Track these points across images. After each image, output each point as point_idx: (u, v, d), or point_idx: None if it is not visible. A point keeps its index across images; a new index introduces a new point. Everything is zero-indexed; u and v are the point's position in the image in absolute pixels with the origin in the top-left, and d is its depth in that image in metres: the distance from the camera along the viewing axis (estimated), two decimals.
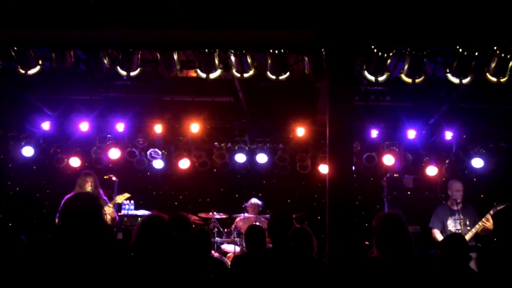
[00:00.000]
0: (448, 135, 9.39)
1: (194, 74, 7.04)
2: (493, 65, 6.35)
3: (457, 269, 4.29)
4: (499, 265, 4.79)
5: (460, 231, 7.66)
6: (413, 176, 9.72)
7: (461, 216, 7.75)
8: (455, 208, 7.87)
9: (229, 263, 7.30)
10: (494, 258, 4.89)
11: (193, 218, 9.00)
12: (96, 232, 3.18)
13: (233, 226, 9.31)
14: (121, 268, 3.27)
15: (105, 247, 3.21)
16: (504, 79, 6.44)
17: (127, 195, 8.55)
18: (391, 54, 6.30)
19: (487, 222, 7.56)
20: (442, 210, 8.07)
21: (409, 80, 6.53)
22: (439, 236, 7.90)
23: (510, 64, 6.33)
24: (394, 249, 4.01)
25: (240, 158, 10.27)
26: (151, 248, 4.04)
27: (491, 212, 7.61)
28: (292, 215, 5.04)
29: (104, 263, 3.14)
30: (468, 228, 7.68)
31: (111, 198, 8.71)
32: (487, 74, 6.46)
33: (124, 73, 6.76)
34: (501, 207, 7.65)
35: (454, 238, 4.76)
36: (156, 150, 10.26)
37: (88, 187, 7.95)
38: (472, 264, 7.47)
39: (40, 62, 6.81)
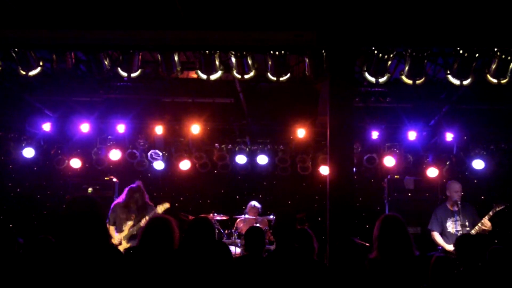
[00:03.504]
0: (449, 136, 9.38)
1: (194, 76, 7.04)
2: (493, 66, 6.36)
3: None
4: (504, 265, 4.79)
5: (459, 232, 7.64)
6: (414, 178, 9.72)
7: (460, 217, 7.72)
8: (454, 209, 7.87)
9: None
10: (497, 258, 4.89)
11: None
12: (96, 235, 3.18)
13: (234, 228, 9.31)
14: (120, 271, 3.26)
15: (103, 250, 3.21)
16: (505, 81, 6.44)
17: (167, 205, 8.43)
18: (391, 55, 6.30)
19: (485, 225, 7.54)
20: (441, 211, 8.06)
21: (409, 81, 6.54)
22: (438, 238, 7.89)
23: (510, 66, 6.34)
24: (394, 251, 4.00)
25: (241, 159, 10.26)
26: (155, 250, 4.04)
27: (490, 213, 7.60)
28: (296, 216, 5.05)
29: (102, 266, 3.14)
30: (468, 229, 7.66)
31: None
32: (488, 75, 6.47)
33: (124, 74, 6.76)
34: (500, 208, 7.63)
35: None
36: (157, 151, 10.25)
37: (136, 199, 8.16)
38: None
39: (40, 64, 6.80)
